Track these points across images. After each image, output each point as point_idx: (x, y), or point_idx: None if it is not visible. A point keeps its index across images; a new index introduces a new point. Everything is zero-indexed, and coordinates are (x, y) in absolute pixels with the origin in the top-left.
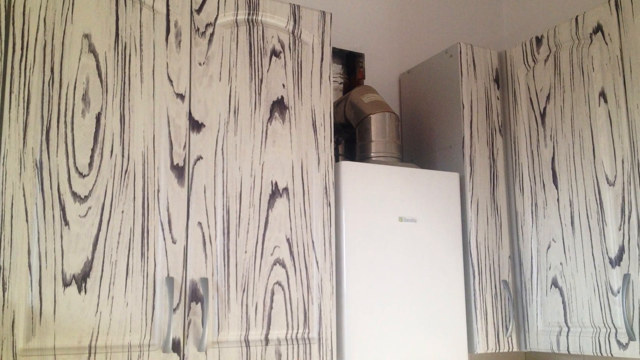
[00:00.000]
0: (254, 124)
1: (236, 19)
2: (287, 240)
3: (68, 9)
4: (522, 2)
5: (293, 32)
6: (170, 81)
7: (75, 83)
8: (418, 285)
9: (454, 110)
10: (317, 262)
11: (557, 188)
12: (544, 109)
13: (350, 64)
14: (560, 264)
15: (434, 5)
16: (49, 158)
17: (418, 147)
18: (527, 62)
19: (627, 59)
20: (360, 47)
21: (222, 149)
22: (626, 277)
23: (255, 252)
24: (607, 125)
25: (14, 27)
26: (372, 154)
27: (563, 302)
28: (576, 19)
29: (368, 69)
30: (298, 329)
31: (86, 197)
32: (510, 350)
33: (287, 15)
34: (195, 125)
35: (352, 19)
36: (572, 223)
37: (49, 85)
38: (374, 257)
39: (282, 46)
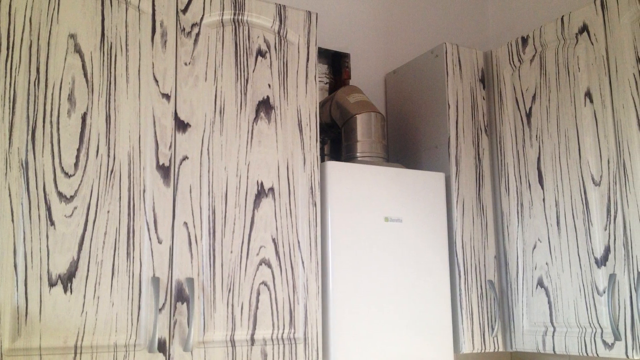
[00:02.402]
0: (239, 124)
1: (222, 19)
2: (273, 240)
3: (54, 9)
4: (508, 2)
5: (279, 32)
6: (156, 81)
7: (61, 83)
8: (404, 285)
9: (440, 110)
10: (302, 262)
11: (542, 188)
12: (530, 108)
13: (336, 64)
14: (546, 264)
15: (420, 5)
16: (34, 158)
17: (404, 147)
18: (513, 62)
19: (613, 59)
20: (346, 47)
21: (208, 149)
22: (612, 277)
23: (241, 252)
24: (593, 125)
25: None
26: (357, 154)
27: (549, 302)
28: (562, 19)
29: (354, 69)
30: (284, 329)
31: (72, 197)
32: (496, 350)
33: (272, 15)
34: (181, 125)
35: (337, 19)
36: (558, 223)
37: (34, 85)
38: (360, 257)
39: (268, 46)
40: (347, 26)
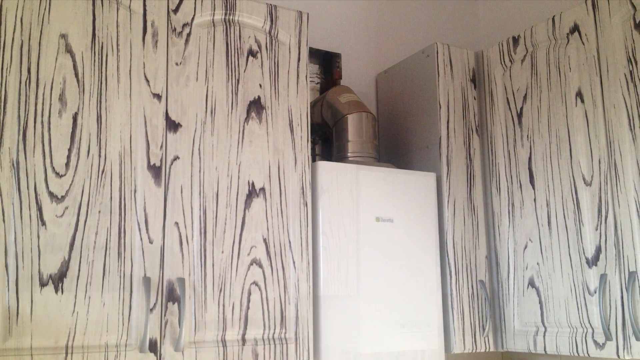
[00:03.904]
0: (230, 124)
1: (213, 19)
2: (264, 240)
3: (45, 9)
4: (499, 2)
5: (270, 32)
6: (147, 81)
7: (52, 83)
8: (395, 285)
9: (431, 110)
10: (293, 262)
11: (533, 188)
12: (521, 109)
13: (327, 64)
14: (537, 264)
15: (411, 6)
16: (25, 158)
17: (395, 147)
18: (504, 62)
19: (604, 59)
20: (337, 47)
21: (199, 149)
22: (603, 277)
23: (232, 252)
24: (584, 125)
25: None
26: (348, 154)
27: (540, 302)
28: (553, 19)
29: (345, 69)
30: (275, 329)
31: (63, 197)
32: (487, 350)
33: (263, 15)
34: (172, 125)
35: (328, 19)
36: (549, 223)
37: (25, 85)
38: (351, 257)
39: (259, 46)
40: (338, 26)
